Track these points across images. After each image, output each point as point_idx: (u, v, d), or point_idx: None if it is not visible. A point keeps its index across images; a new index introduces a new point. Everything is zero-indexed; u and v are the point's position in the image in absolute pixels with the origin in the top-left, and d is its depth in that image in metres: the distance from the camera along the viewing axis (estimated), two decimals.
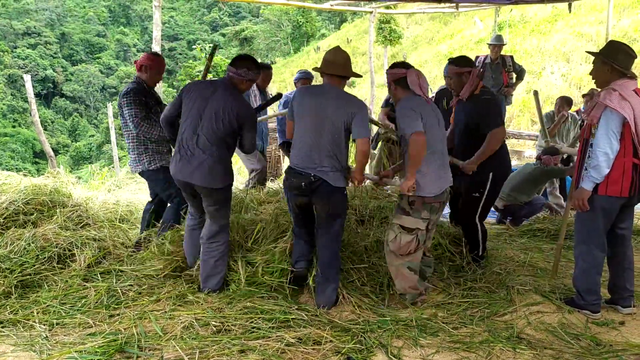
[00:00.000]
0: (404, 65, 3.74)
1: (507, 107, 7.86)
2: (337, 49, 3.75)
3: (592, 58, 3.53)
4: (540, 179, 5.95)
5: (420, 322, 3.42)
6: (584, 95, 7.26)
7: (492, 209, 5.06)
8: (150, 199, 4.90)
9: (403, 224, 3.64)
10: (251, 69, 3.75)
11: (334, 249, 3.69)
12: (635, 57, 3.51)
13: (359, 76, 3.93)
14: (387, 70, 3.84)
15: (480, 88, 4.25)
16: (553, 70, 15.34)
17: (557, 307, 3.67)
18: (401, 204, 3.69)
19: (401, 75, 3.66)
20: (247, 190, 5.14)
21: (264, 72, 5.58)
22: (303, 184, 3.54)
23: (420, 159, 3.46)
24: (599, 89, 3.53)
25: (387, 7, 12.55)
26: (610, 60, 3.38)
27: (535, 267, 4.50)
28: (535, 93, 6.16)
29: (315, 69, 3.84)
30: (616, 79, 3.38)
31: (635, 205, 3.60)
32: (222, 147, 3.68)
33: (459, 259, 4.38)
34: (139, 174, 4.66)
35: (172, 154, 3.87)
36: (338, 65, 3.64)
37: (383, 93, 16.49)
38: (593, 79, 3.57)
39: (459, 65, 4.25)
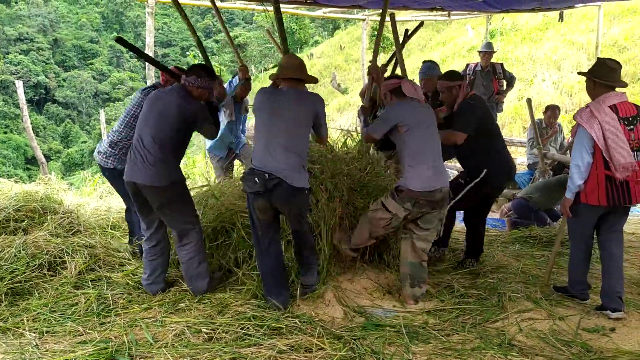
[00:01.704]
0: (398, 77, 3.97)
1: (499, 114, 7.92)
2: (291, 55, 3.93)
3: (582, 67, 3.65)
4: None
5: (412, 329, 3.43)
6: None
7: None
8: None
9: (386, 203, 3.80)
10: (200, 76, 3.79)
11: (309, 242, 3.77)
12: (619, 67, 3.68)
13: (315, 80, 3.92)
14: (384, 82, 4.01)
15: (469, 95, 4.36)
16: (544, 77, 15.43)
17: (549, 314, 3.69)
18: (391, 189, 3.88)
19: (396, 85, 3.87)
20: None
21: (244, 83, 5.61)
22: (256, 179, 3.45)
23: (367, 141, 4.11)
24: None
25: (380, 15, 12.62)
26: (593, 76, 3.64)
27: (527, 274, 4.52)
28: (529, 101, 6.23)
29: (270, 76, 3.88)
30: (602, 93, 3.62)
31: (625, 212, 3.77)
32: (167, 147, 3.66)
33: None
34: (108, 170, 4.47)
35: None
36: (292, 69, 3.70)
37: None
38: (589, 95, 3.77)
39: (449, 79, 4.37)
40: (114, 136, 4.44)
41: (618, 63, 3.71)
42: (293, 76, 3.70)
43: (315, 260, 3.83)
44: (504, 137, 5.05)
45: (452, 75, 4.43)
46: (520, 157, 9.37)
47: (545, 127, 7.26)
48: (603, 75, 3.61)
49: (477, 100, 4.38)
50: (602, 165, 3.57)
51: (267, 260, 3.68)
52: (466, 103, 4.31)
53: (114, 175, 4.48)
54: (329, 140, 4.22)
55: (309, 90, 3.84)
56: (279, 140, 3.52)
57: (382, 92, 3.95)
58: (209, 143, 5.93)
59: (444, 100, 4.48)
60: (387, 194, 3.88)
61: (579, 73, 4.06)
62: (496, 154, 4.41)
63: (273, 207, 3.57)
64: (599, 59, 3.86)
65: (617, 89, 3.65)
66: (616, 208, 3.66)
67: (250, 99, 6.31)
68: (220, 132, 5.11)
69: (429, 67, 5.49)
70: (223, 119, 5.59)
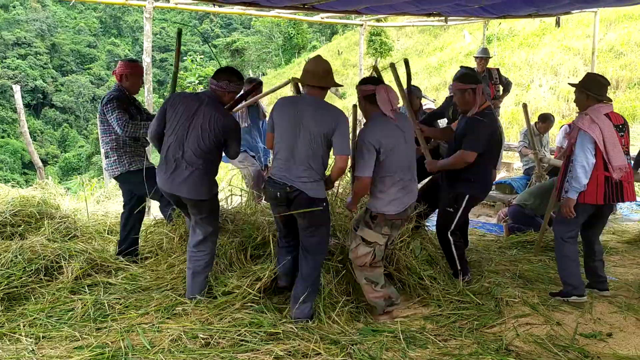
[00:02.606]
0: (374, 81, 3.74)
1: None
2: (318, 59, 3.71)
3: (579, 72, 3.74)
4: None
5: (410, 334, 3.43)
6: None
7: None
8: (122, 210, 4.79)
9: (364, 236, 3.67)
10: (232, 80, 3.77)
11: (313, 263, 3.63)
12: (608, 84, 4.12)
13: (340, 86, 3.91)
14: (357, 86, 3.80)
15: (484, 108, 4.19)
16: (541, 83, 15.51)
17: (546, 319, 3.69)
18: (365, 218, 3.71)
19: (370, 92, 3.64)
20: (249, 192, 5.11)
21: (255, 86, 5.57)
22: (278, 194, 3.52)
23: (361, 197, 3.75)
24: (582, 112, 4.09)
25: (378, 20, 12.66)
26: (586, 90, 3.98)
27: (525, 279, 4.52)
28: (524, 106, 6.23)
29: (294, 79, 3.83)
30: (592, 104, 3.97)
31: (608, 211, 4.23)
32: (208, 160, 3.71)
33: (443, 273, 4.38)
34: (116, 177, 4.58)
35: (158, 166, 3.87)
36: (318, 76, 3.60)
37: None
38: (577, 105, 4.15)
39: (462, 81, 4.19)
40: (106, 147, 4.55)
41: (607, 80, 4.14)
42: (318, 84, 3.60)
43: (311, 297, 3.64)
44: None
45: (465, 77, 4.25)
46: (517, 162, 9.39)
47: (538, 134, 7.30)
48: (595, 89, 3.97)
49: (487, 116, 4.17)
50: (601, 167, 3.87)
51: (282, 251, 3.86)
52: (476, 120, 4.13)
53: (124, 179, 4.60)
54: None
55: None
56: (301, 152, 3.49)
57: (358, 96, 3.80)
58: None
59: (457, 102, 4.32)
60: (361, 224, 3.74)
61: (570, 84, 4.39)
62: (484, 173, 4.34)
63: (292, 215, 3.62)
64: (589, 73, 4.26)
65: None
66: (605, 206, 4.04)
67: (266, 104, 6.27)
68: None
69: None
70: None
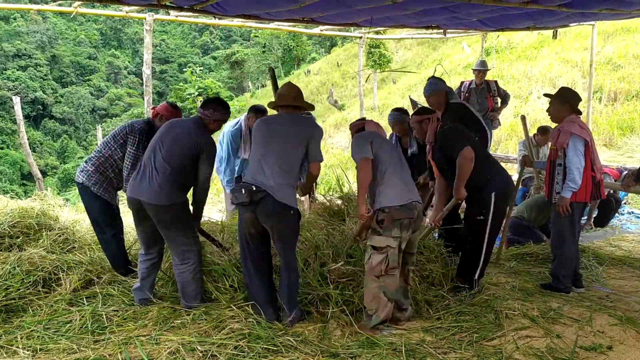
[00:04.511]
0: (362, 119, 4.23)
1: (494, 131, 7.97)
2: (289, 84, 4.05)
3: (577, 85, 3.87)
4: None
5: (409, 347, 3.40)
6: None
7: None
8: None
9: (374, 244, 3.68)
10: (217, 110, 3.96)
11: (290, 270, 3.72)
12: (580, 99, 4.60)
13: (312, 107, 4.24)
14: (350, 124, 4.26)
15: (439, 125, 4.46)
16: (540, 95, 15.55)
17: (546, 332, 3.67)
18: (372, 225, 3.74)
19: (361, 126, 4.08)
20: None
21: (258, 115, 5.50)
22: (243, 190, 3.56)
23: (366, 185, 3.72)
24: (556, 123, 4.58)
25: (377, 32, 12.73)
26: (567, 101, 4.47)
27: (524, 291, 4.51)
28: (523, 118, 6.25)
29: (269, 104, 4.09)
30: (569, 115, 4.43)
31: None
32: (176, 171, 3.75)
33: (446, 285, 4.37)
34: (78, 184, 4.48)
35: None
36: (289, 98, 3.91)
37: (372, 116, 16.60)
38: (551, 114, 4.59)
39: (418, 114, 4.55)
40: (93, 160, 4.49)
41: (579, 95, 4.63)
42: (290, 104, 3.89)
43: (294, 294, 3.74)
44: (500, 154, 5.14)
45: (419, 111, 4.60)
46: (516, 174, 9.40)
47: (536, 145, 7.32)
48: (574, 101, 4.49)
49: (447, 123, 4.48)
50: (589, 167, 4.35)
51: (255, 281, 3.75)
52: (441, 133, 4.37)
53: (81, 191, 4.50)
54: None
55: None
56: (271, 157, 3.65)
57: (351, 132, 4.17)
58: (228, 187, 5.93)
59: (418, 135, 4.62)
60: (370, 234, 3.78)
61: (545, 95, 4.90)
62: (492, 165, 4.40)
63: (260, 223, 3.62)
64: (564, 87, 4.80)
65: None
66: (587, 204, 4.62)
67: None
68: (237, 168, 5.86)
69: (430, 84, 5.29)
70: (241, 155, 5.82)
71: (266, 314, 3.68)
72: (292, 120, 3.83)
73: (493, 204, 4.19)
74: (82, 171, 4.46)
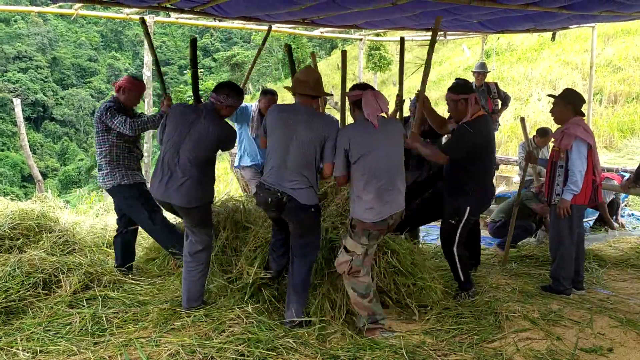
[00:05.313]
0: (362, 87, 3.74)
1: (494, 133, 7.96)
2: (309, 69, 3.89)
3: (577, 87, 3.82)
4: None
5: (410, 349, 3.40)
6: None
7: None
8: (116, 228, 4.82)
9: (345, 244, 3.68)
10: (230, 95, 3.87)
11: (303, 268, 3.71)
12: (585, 101, 4.56)
13: (330, 95, 4.09)
14: (346, 93, 3.88)
15: (477, 117, 4.21)
16: (540, 97, 15.57)
17: (546, 334, 3.67)
18: (347, 226, 3.75)
19: (358, 97, 3.64)
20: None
21: (268, 97, 5.54)
22: (270, 199, 3.59)
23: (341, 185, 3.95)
24: (558, 124, 4.54)
25: (377, 35, 12.73)
26: (571, 103, 4.43)
27: (524, 293, 4.51)
28: (522, 120, 6.24)
29: (286, 87, 3.94)
30: (573, 117, 4.40)
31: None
32: (202, 169, 3.77)
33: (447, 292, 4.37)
34: (109, 190, 4.61)
35: (152, 174, 3.92)
36: (309, 85, 3.70)
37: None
38: (554, 115, 4.55)
39: (455, 92, 4.26)
40: (100, 159, 4.58)
41: (583, 97, 4.55)
42: (309, 93, 3.72)
43: (302, 298, 3.72)
44: (500, 156, 5.14)
45: (456, 88, 4.29)
46: (517, 176, 9.39)
47: (535, 147, 7.32)
48: (578, 103, 4.44)
49: (477, 126, 4.17)
50: (590, 171, 4.37)
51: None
52: (462, 127, 4.17)
53: (115, 192, 4.61)
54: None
55: None
56: (292, 160, 3.59)
57: (349, 105, 3.83)
58: (236, 161, 6.05)
59: (450, 113, 4.39)
60: (344, 232, 3.79)
61: (549, 96, 4.88)
62: (485, 190, 4.38)
63: (283, 218, 3.71)
64: (568, 89, 4.72)
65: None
66: (585, 206, 4.55)
67: None
68: (244, 145, 5.80)
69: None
70: (249, 133, 5.74)
71: (270, 263, 3.97)
72: (310, 117, 3.64)
73: (466, 215, 4.24)
74: (104, 178, 4.54)
